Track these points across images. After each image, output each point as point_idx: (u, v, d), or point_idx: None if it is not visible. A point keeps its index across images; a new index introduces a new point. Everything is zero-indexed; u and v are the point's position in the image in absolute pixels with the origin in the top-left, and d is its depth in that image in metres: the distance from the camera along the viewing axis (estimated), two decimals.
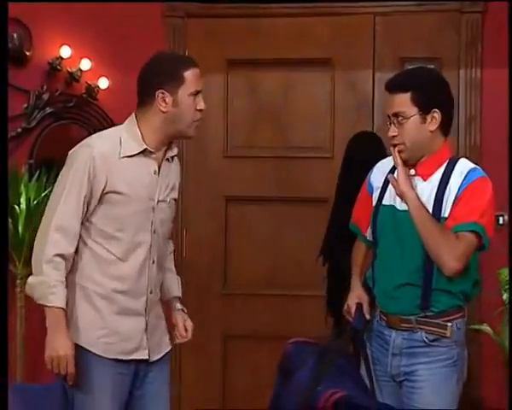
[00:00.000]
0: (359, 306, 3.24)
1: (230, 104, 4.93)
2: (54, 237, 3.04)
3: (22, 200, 4.55)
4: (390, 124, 3.12)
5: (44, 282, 3.01)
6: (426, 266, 3.07)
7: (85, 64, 4.81)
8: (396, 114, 3.10)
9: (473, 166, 3.15)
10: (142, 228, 3.14)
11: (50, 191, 4.52)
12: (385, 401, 3.17)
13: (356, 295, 3.27)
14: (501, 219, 4.52)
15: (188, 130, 3.18)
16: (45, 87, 4.82)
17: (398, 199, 3.13)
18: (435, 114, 3.09)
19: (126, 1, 4.78)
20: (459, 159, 3.19)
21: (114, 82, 4.84)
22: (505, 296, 3.71)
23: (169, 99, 3.10)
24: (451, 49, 4.66)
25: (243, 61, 4.89)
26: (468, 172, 3.10)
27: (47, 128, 4.80)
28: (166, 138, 3.17)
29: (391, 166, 3.22)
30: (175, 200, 3.30)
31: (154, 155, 3.16)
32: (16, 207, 4.52)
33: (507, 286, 3.69)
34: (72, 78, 4.81)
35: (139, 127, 3.14)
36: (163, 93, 3.09)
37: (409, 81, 3.13)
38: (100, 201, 3.10)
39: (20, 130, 4.80)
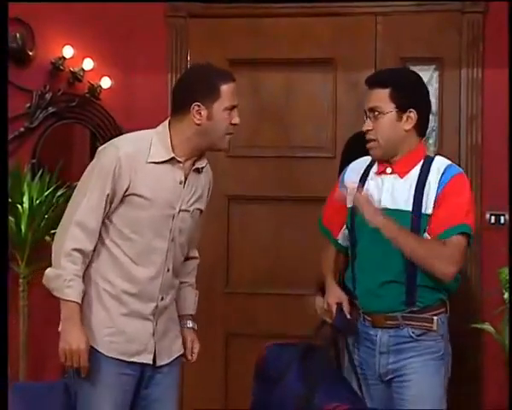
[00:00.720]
0: (339, 305, 3.24)
1: None
2: (74, 232, 3.07)
3: (25, 199, 4.57)
4: (366, 118, 3.17)
5: (61, 275, 3.04)
6: (409, 263, 3.10)
7: (88, 64, 4.83)
8: (372, 109, 3.15)
9: (449, 162, 3.20)
10: (160, 234, 3.16)
11: (53, 190, 4.59)
12: (374, 406, 3.19)
13: (335, 296, 3.26)
14: (502, 218, 4.53)
15: (219, 142, 3.18)
16: (48, 87, 4.84)
17: (376, 198, 3.15)
18: (411, 114, 3.14)
19: (129, 1, 4.79)
20: (435, 157, 3.23)
21: (117, 82, 4.85)
22: (506, 295, 3.73)
23: (204, 112, 3.11)
24: (453, 49, 4.67)
25: (245, 61, 4.88)
26: (445, 169, 3.14)
27: (50, 128, 4.81)
28: (197, 150, 3.18)
29: (365, 165, 3.25)
30: (200, 210, 3.29)
31: (181, 165, 3.16)
32: (19, 206, 4.54)
33: (507, 285, 3.71)
34: (75, 77, 4.82)
35: (170, 136, 3.16)
36: (199, 106, 3.10)
37: (389, 78, 3.19)
38: (122, 201, 3.12)
39: (22, 129, 4.82)
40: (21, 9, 4.75)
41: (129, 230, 3.12)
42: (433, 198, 3.10)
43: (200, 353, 4.66)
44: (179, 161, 3.16)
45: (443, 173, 3.12)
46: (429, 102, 3.26)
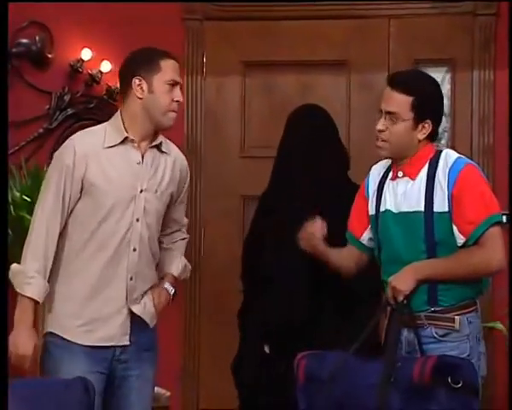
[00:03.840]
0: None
1: (247, 105, 5.00)
2: (39, 231, 3.15)
3: None
4: (381, 117, 3.12)
5: (23, 272, 3.11)
6: None
7: (105, 66, 4.89)
8: (391, 113, 3.09)
9: (457, 155, 3.15)
10: (123, 216, 3.18)
11: None
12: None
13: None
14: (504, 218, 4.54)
15: (163, 118, 3.21)
16: (67, 89, 4.91)
17: (393, 203, 3.14)
18: (426, 125, 3.10)
19: (146, 1, 4.84)
20: (442, 151, 3.19)
21: None
22: None
23: (145, 86, 3.17)
24: (465, 51, 4.73)
25: (259, 63, 4.95)
26: (453, 162, 3.09)
27: (68, 129, 4.86)
28: (146, 128, 3.21)
29: (383, 170, 3.24)
30: (171, 194, 3.30)
31: (135, 145, 3.21)
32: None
33: None
34: (93, 79, 4.89)
35: (122, 119, 3.21)
36: (140, 80, 3.17)
37: (414, 86, 3.12)
38: (82, 192, 3.17)
39: (42, 130, 4.89)
40: (41, 13, 4.84)
41: (95, 219, 3.16)
42: (446, 194, 3.06)
43: (216, 352, 4.70)
44: (133, 140, 3.19)
45: (451, 167, 3.08)
46: (443, 111, 3.23)
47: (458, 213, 3.05)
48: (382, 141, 3.14)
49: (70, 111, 4.90)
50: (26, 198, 4.40)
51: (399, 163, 3.16)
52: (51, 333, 3.22)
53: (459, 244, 3.08)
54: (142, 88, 3.18)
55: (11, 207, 4.60)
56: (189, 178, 3.42)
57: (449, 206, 3.06)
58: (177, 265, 3.41)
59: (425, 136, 3.12)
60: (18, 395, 2.93)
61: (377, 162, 3.30)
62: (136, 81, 3.17)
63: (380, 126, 3.13)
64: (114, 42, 4.88)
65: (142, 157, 3.22)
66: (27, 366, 3.10)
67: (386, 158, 3.19)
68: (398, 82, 3.13)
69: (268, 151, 4.98)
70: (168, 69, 3.21)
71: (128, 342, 3.22)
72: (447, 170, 3.08)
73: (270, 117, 4.96)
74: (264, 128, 4.94)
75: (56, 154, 3.26)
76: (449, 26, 4.75)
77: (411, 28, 4.80)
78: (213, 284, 4.94)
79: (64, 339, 3.19)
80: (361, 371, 3.04)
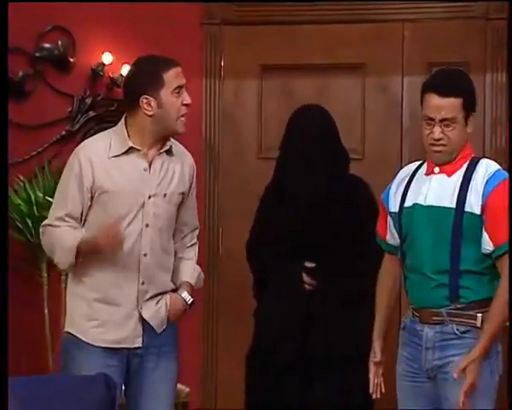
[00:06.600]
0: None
1: (264, 108, 5.05)
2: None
3: None
4: (434, 126, 3.11)
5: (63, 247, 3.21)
6: (452, 260, 3.11)
7: (126, 70, 4.95)
8: (446, 119, 3.10)
9: (496, 164, 3.18)
10: (132, 222, 3.22)
11: None
12: (419, 402, 3.21)
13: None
14: None
15: (174, 127, 3.25)
16: (88, 92, 4.97)
17: (424, 197, 3.16)
18: (471, 117, 3.16)
19: (168, 1, 4.89)
20: (483, 158, 3.24)
21: None
22: None
23: (153, 103, 3.20)
24: (477, 54, 4.76)
25: (277, 66, 5.00)
26: (495, 171, 3.12)
27: (90, 131, 4.89)
28: (156, 137, 3.25)
29: (411, 171, 3.27)
30: (182, 193, 3.33)
31: (142, 153, 3.24)
32: None
33: None
34: (114, 83, 4.93)
35: (127, 128, 3.25)
36: (147, 98, 3.20)
37: (461, 86, 3.15)
38: (92, 201, 3.23)
39: (64, 133, 4.95)
40: (63, 18, 4.91)
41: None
42: (481, 200, 3.08)
43: (234, 351, 4.75)
44: (139, 150, 3.22)
45: (492, 176, 3.10)
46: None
47: (492, 223, 3.08)
48: (442, 146, 3.13)
49: (91, 114, 4.96)
50: (48, 199, 4.46)
51: None
52: (68, 333, 3.29)
53: (485, 251, 3.11)
54: (150, 105, 3.20)
55: (35, 207, 4.71)
56: (195, 175, 3.42)
57: (481, 211, 3.08)
58: (193, 273, 3.43)
59: (473, 127, 3.16)
60: (41, 392, 3.01)
61: (400, 164, 3.31)
62: (143, 100, 3.20)
63: (437, 135, 3.12)
64: (134, 46, 4.92)
65: (151, 164, 3.25)
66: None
67: (447, 160, 3.16)
68: (443, 87, 3.12)
69: None
70: (172, 79, 3.23)
71: (140, 345, 3.25)
72: (487, 177, 3.10)
73: (287, 119, 5.03)
74: (281, 130, 4.92)
75: (68, 163, 3.31)
76: (462, 29, 4.79)
77: (425, 32, 4.85)
78: (231, 283, 4.97)
79: (79, 339, 3.25)
80: None
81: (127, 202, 3.23)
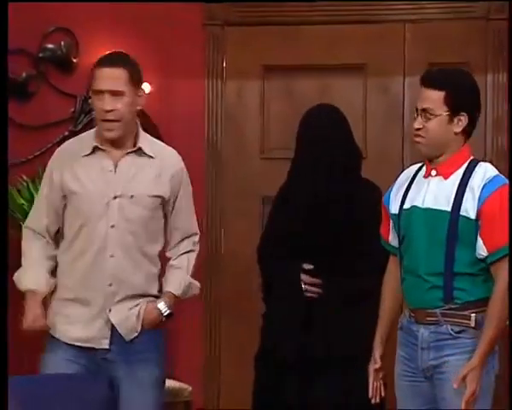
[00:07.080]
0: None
1: (267, 108, 5.07)
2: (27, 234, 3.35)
3: None
4: (417, 116, 3.17)
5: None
6: (447, 261, 3.13)
7: None
8: (425, 109, 3.14)
9: (495, 170, 3.19)
10: (98, 223, 3.19)
11: None
12: (417, 401, 3.22)
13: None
14: None
15: (100, 129, 3.22)
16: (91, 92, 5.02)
17: (421, 200, 3.18)
18: (462, 117, 3.15)
19: (167, 1, 4.90)
20: (481, 161, 3.24)
21: (156, 88, 4.95)
22: None
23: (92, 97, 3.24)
24: (478, 55, 4.78)
25: (279, 66, 5.02)
26: (494, 177, 3.13)
27: None
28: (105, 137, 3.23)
29: (412, 174, 3.30)
30: (157, 196, 3.25)
31: (107, 153, 3.21)
32: None
33: None
34: None
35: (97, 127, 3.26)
36: (90, 90, 3.26)
37: (445, 80, 3.16)
38: (64, 200, 3.24)
39: (67, 133, 4.94)
40: (66, 19, 4.94)
41: (74, 225, 3.22)
42: (477, 204, 3.09)
43: (238, 352, 4.77)
44: (103, 149, 3.20)
45: (490, 181, 3.11)
46: (480, 105, 3.24)
47: (487, 229, 3.08)
48: (420, 137, 3.18)
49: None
50: None
51: (435, 162, 3.20)
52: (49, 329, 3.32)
53: (479, 256, 3.12)
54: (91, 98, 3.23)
55: None
56: (186, 183, 3.34)
57: (477, 216, 3.09)
58: (179, 283, 3.34)
59: (461, 128, 3.15)
60: (41, 392, 3.09)
61: (402, 164, 3.31)
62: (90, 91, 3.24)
63: (416, 125, 3.18)
64: (136, 47, 4.95)
65: (117, 164, 3.21)
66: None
67: (427, 154, 3.21)
68: (428, 79, 3.18)
69: (287, 153, 5.01)
70: (96, 78, 3.18)
71: (107, 346, 3.21)
72: (485, 182, 3.11)
73: (290, 119, 4.98)
74: (283, 130, 5.00)
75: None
76: (463, 30, 4.81)
77: (426, 33, 4.86)
78: (233, 283, 4.99)
79: (51, 335, 3.29)
80: None
81: (92, 202, 3.20)
